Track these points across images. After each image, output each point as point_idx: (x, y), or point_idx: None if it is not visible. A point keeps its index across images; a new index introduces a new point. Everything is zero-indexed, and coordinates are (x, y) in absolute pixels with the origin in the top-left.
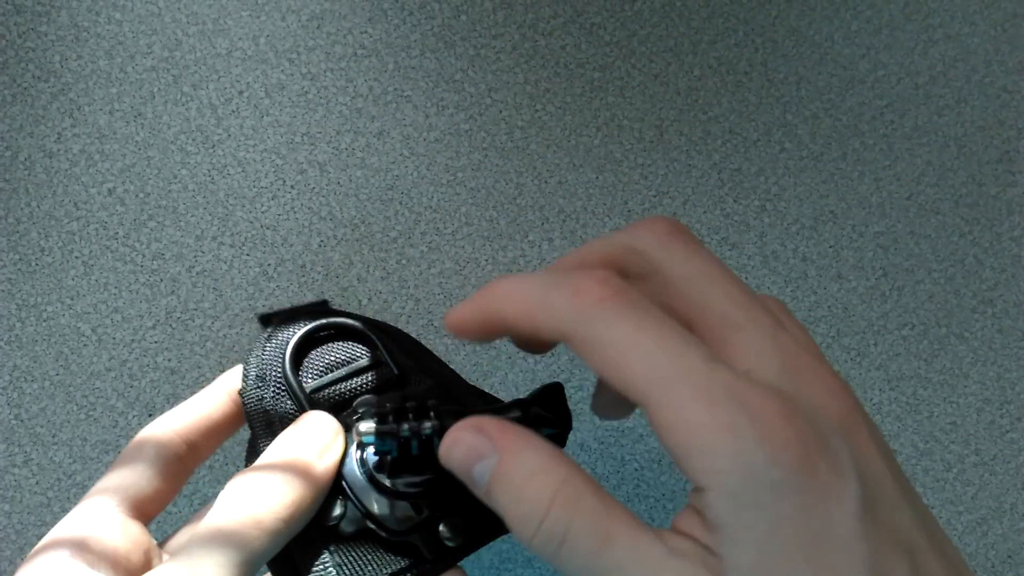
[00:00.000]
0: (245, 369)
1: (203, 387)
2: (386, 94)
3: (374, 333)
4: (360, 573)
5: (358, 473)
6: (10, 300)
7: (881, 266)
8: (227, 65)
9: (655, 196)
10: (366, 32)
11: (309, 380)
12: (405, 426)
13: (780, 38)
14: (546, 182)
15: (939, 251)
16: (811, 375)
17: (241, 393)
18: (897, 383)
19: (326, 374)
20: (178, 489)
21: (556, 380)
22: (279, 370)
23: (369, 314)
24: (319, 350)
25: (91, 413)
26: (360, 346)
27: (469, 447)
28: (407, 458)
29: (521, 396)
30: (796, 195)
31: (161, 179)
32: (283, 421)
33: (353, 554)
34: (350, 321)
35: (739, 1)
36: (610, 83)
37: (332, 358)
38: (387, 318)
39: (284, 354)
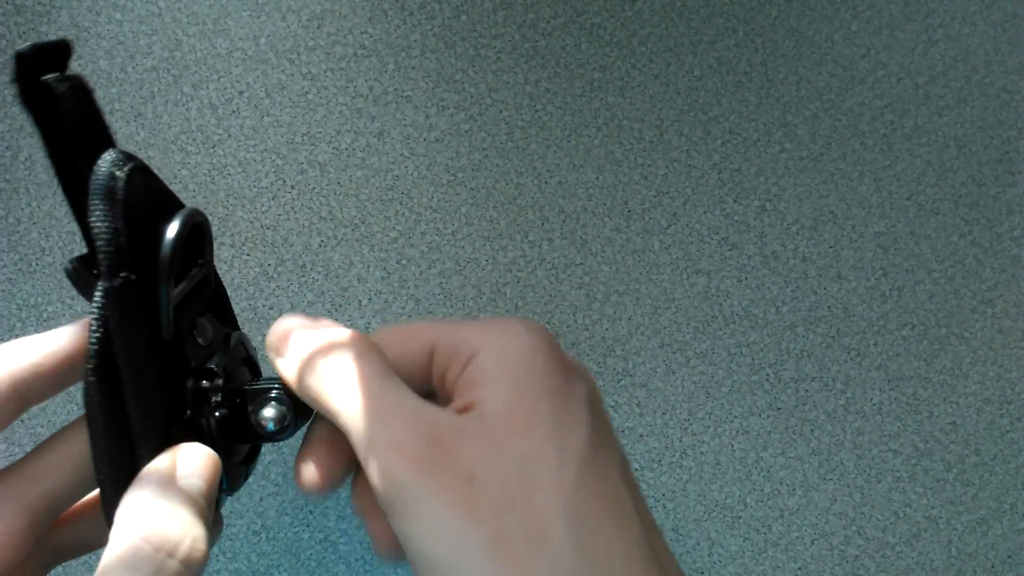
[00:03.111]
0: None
1: None
2: (386, 94)
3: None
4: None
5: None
6: (10, 300)
7: (881, 266)
8: (227, 65)
9: (655, 196)
10: (366, 32)
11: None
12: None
13: (780, 38)
14: (546, 182)
15: (939, 251)
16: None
17: (105, 290)
18: (897, 383)
19: (177, 278)
20: None
21: None
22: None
23: (368, 314)
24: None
25: None
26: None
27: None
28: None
29: None
30: (796, 195)
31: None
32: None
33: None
34: (202, 212)
35: (739, 1)
36: (610, 83)
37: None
38: (387, 318)
39: (164, 249)
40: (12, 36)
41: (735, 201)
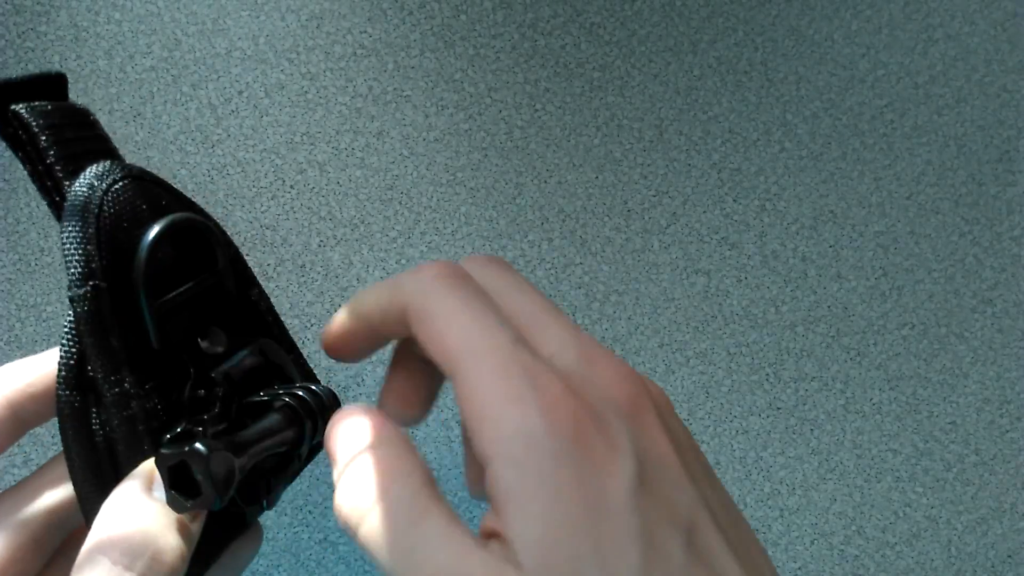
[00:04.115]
0: (71, 253)
1: None
2: (386, 94)
3: (220, 236)
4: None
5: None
6: (10, 300)
7: (881, 266)
8: (226, 65)
9: (655, 196)
10: (365, 32)
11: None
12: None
13: (780, 37)
14: (546, 182)
15: (939, 251)
16: (604, 363)
17: (72, 299)
18: (897, 383)
19: (169, 285)
20: None
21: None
22: (125, 271)
23: None
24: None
25: None
26: (199, 250)
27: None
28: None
29: None
30: (796, 195)
31: None
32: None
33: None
34: (198, 217)
35: (739, 1)
36: (610, 83)
37: (175, 261)
38: None
39: (139, 256)
40: (12, 36)
41: (735, 201)
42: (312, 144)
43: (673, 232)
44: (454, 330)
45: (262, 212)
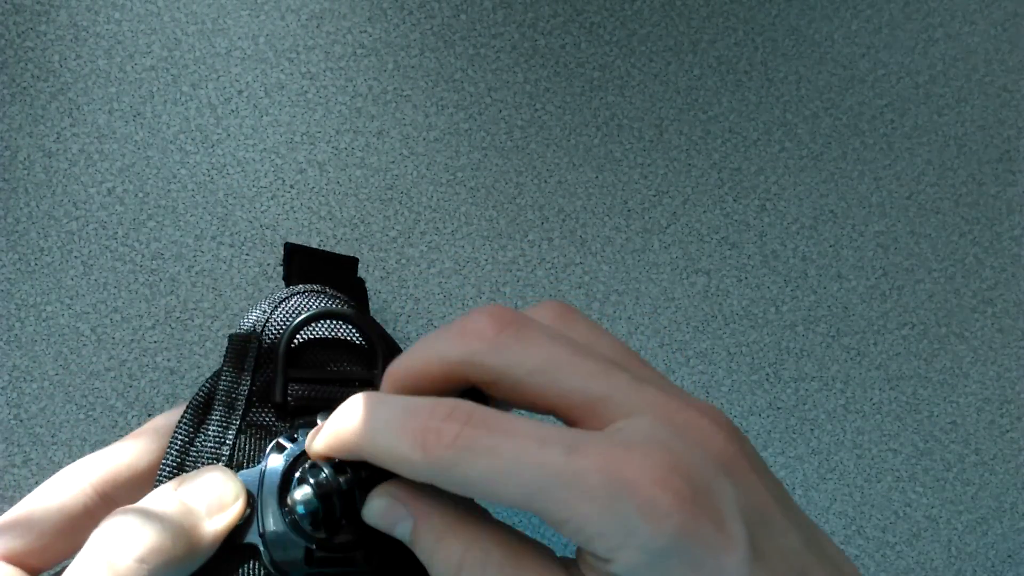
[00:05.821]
0: (247, 315)
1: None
2: (386, 93)
3: (383, 354)
4: None
5: (274, 494)
6: (9, 300)
7: (881, 266)
8: (226, 64)
9: (655, 195)
10: (365, 31)
11: (297, 367)
12: (340, 479)
13: (780, 37)
14: (546, 181)
15: (939, 251)
16: (683, 420)
17: (231, 337)
18: (897, 383)
19: (315, 365)
20: (79, 545)
21: None
22: (272, 334)
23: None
24: (324, 333)
25: (90, 413)
26: (362, 357)
27: (385, 513)
28: (332, 513)
29: None
30: (796, 194)
31: (160, 179)
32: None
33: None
34: (365, 326)
35: (739, 0)
36: (610, 82)
37: (328, 353)
38: (387, 318)
39: (288, 323)
40: (11, 35)
41: (735, 200)
42: (312, 144)
43: (673, 232)
44: (503, 483)
45: (262, 212)
